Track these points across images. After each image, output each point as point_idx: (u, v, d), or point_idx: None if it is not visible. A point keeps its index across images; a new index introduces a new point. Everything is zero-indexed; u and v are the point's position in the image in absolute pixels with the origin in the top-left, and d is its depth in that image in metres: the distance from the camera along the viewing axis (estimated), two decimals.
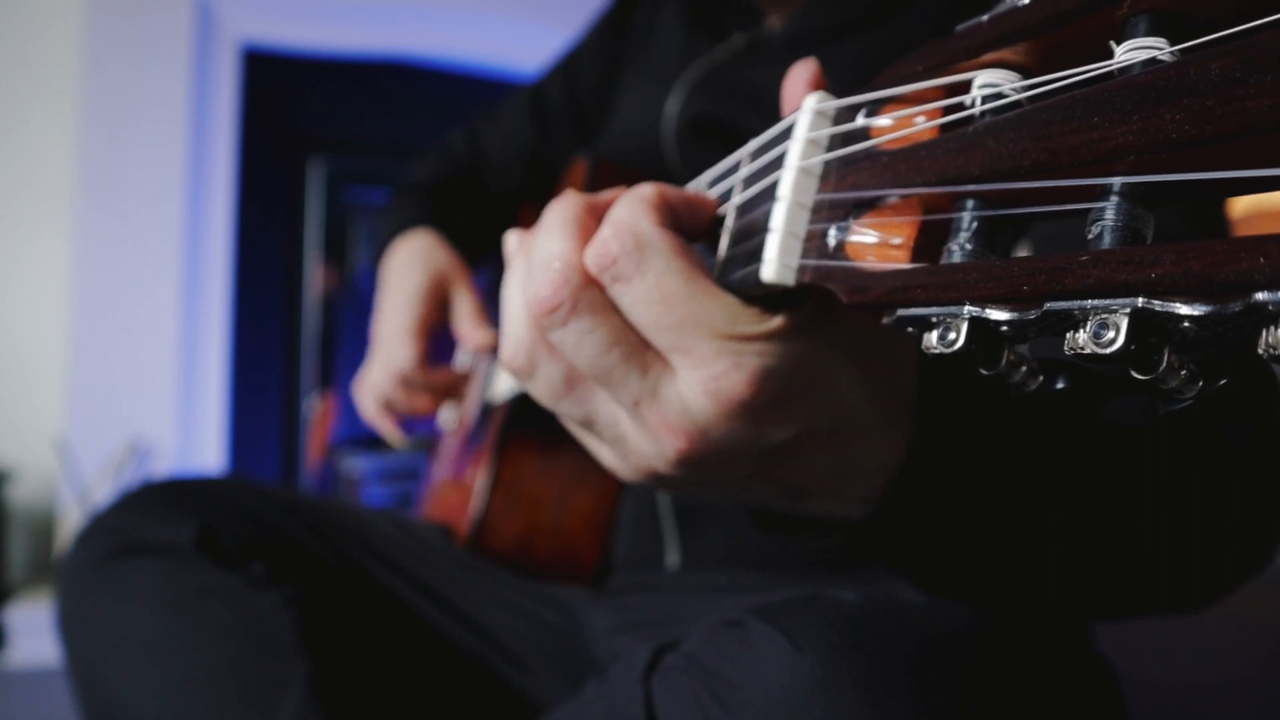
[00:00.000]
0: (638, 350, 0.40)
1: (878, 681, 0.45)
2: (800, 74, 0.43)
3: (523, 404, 0.94)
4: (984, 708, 0.47)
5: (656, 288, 0.38)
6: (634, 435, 0.44)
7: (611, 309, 0.40)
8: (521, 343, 0.44)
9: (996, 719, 0.48)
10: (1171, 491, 0.52)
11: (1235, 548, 0.55)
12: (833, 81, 0.82)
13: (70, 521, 2.31)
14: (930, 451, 0.44)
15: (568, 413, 0.46)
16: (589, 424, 0.46)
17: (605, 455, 0.48)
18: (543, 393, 0.45)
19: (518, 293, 0.45)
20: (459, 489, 1.04)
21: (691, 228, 0.43)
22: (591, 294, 0.40)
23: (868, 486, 0.45)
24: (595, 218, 0.42)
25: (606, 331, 0.40)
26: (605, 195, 0.44)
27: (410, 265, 1.05)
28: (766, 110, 0.45)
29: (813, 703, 0.44)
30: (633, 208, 0.40)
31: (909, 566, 0.54)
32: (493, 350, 1.03)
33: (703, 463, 0.42)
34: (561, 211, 0.43)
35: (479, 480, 0.94)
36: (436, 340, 1.06)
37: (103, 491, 2.25)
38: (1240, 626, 2.29)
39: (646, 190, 0.41)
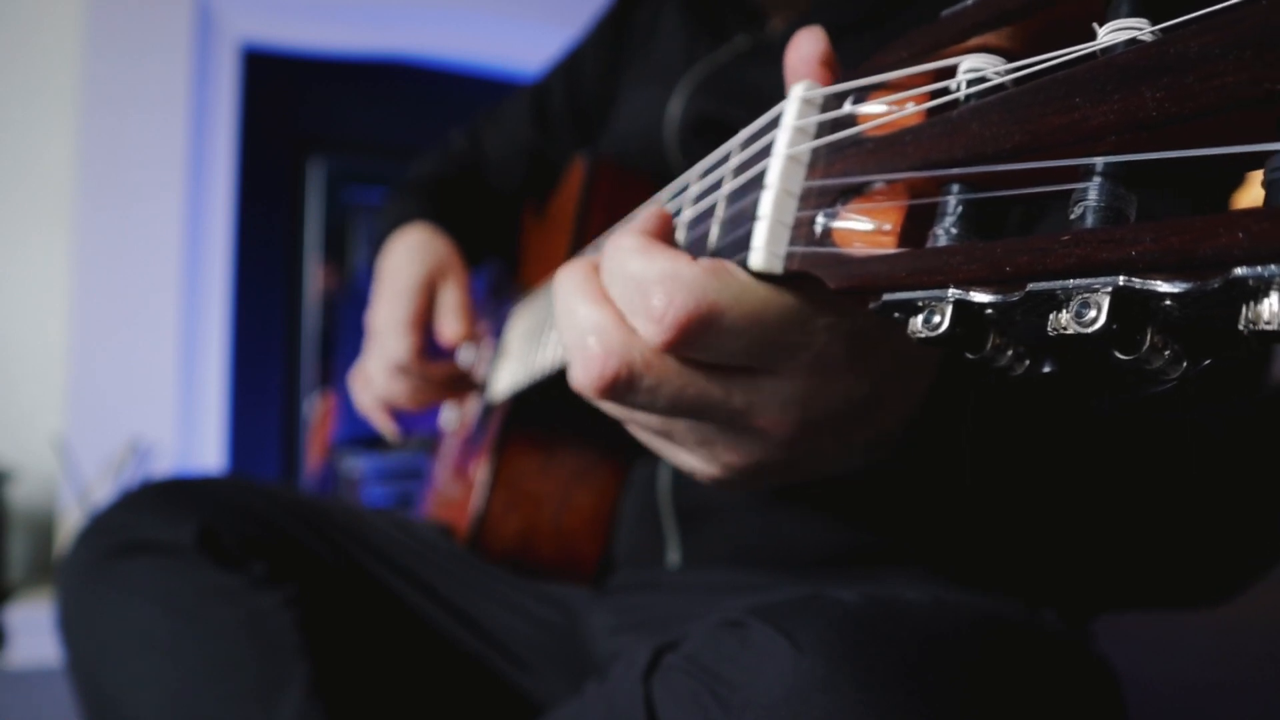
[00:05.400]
0: (716, 378, 0.40)
1: (879, 682, 0.45)
2: (806, 45, 0.41)
3: (523, 402, 0.94)
4: (985, 708, 0.47)
5: (744, 318, 0.37)
6: (726, 439, 0.43)
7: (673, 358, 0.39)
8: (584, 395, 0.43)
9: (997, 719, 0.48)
10: (1167, 476, 0.53)
11: (1241, 538, 0.55)
12: None
13: (70, 521, 2.31)
14: (942, 395, 0.45)
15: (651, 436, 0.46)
16: (668, 437, 0.45)
17: (685, 459, 0.46)
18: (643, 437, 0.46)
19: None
20: (460, 488, 1.04)
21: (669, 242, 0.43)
22: (643, 354, 0.39)
23: (898, 426, 0.46)
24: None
25: (676, 381, 0.39)
26: (602, 251, 0.42)
27: (407, 257, 1.04)
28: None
29: (813, 703, 0.44)
30: (657, 257, 0.38)
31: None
32: (467, 343, 1.03)
33: (802, 440, 0.42)
34: (574, 280, 0.42)
35: (479, 479, 0.94)
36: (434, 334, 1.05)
37: (103, 491, 2.25)
38: (1240, 626, 2.29)
39: (634, 239, 0.39)
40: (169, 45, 2.46)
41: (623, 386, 0.39)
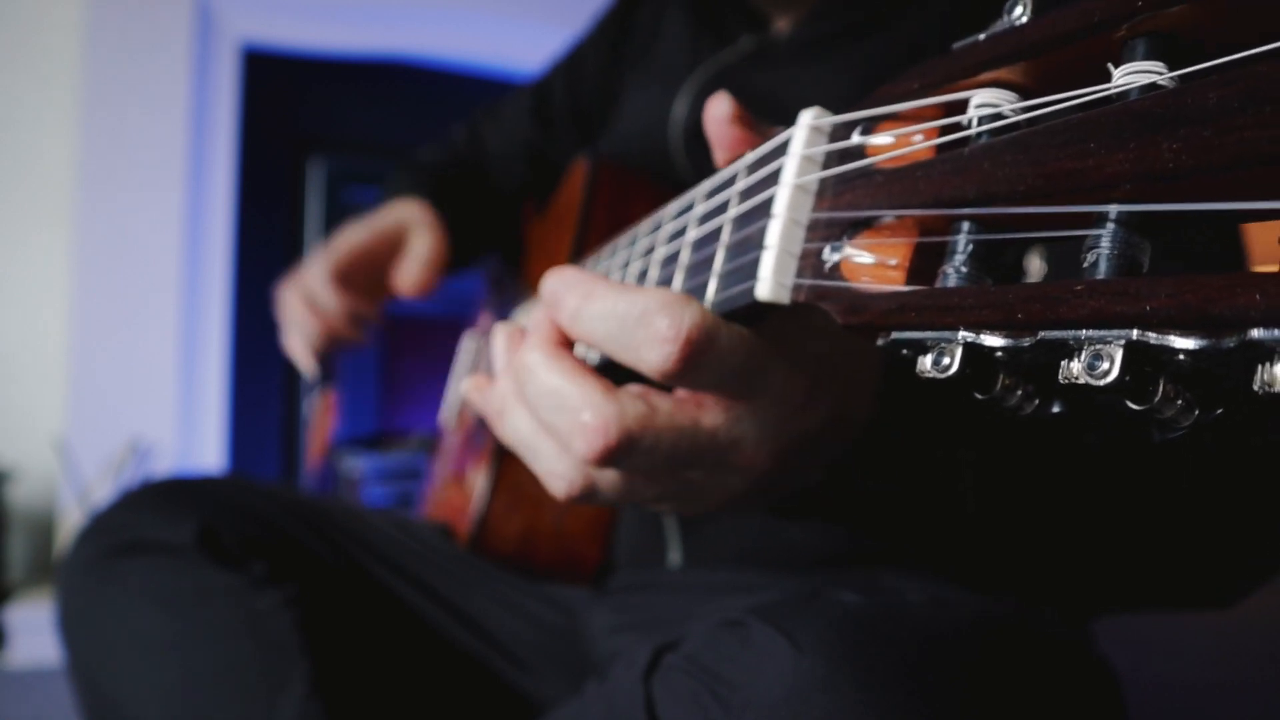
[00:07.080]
0: (701, 427, 0.42)
1: (879, 682, 0.45)
2: (719, 107, 0.46)
3: None
4: (984, 708, 0.47)
5: (736, 336, 0.39)
6: (709, 482, 0.45)
7: (662, 412, 0.41)
8: (574, 482, 0.46)
9: None
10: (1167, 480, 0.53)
11: (1242, 540, 0.55)
12: (842, 84, 0.82)
13: (70, 521, 2.31)
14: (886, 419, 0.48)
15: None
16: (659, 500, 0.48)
17: (668, 506, 0.49)
18: (612, 499, 0.47)
19: (528, 427, 0.47)
20: (460, 489, 1.04)
21: None
22: (639, 413, 0.41)
23: (853, 437, 0.48)
24: (567, 342, 0.44)
25: (672, 437, 0.41)
26: (551, 318, 0.44)
27: (385, 212, 1.06)
28: (775, 115, 0.45)
29: (813, 703, 0.44)
30: (643, 289, 0.40)
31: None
32: (420, 294, 1.04)
33: (774, 470, 0.45)
34: (543, 352, 0.44)
35: (480, 480, 0.94)
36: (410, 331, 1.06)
37: (103, 491, 2.25)
38: (1240, 627, 2.29)
39: (602, 284, 0.41)
40: (169, 45, 2.45)
41: (623, 450, 0.40)
